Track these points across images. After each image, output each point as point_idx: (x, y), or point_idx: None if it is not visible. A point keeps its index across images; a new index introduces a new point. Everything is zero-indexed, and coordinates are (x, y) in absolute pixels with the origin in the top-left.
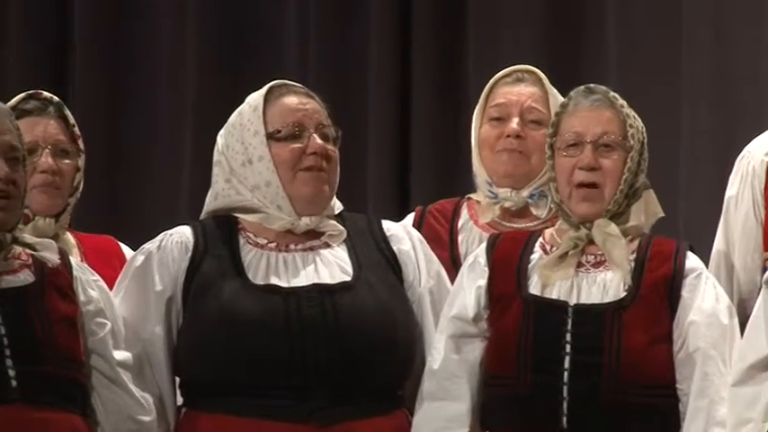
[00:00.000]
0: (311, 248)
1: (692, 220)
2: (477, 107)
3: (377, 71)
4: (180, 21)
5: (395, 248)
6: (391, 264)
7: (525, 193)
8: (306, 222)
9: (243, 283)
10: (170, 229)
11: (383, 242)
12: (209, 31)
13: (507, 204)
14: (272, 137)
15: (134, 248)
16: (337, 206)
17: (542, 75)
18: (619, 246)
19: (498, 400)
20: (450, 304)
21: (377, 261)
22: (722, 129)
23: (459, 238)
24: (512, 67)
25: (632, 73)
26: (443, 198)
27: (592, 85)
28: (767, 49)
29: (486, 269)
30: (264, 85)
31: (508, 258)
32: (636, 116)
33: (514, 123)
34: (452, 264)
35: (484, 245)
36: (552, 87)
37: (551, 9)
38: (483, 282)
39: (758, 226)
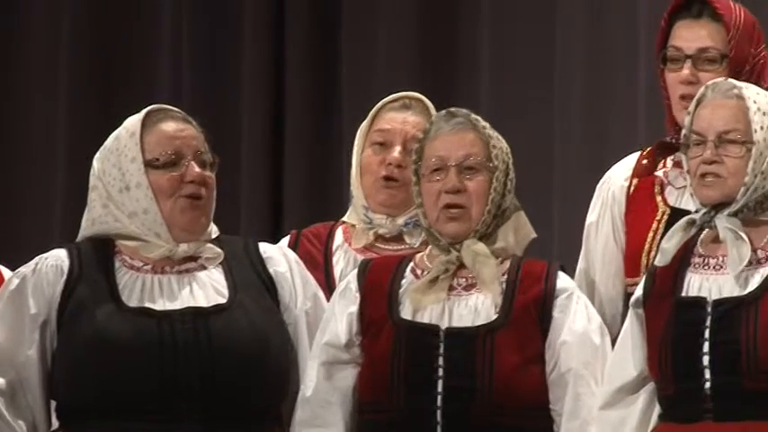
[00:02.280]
0: (187, 271)
1: (565, 240)
2: (361, 129)
3: (250, 93)
4: (52, 45)
5: (271, 270)
6: (267, 286)
7: (400, 220)
8: (184, 249)
9: (117, 306)
10: (45, 252)
11: (260, 264)
12: (82, 50)
13: (381, 231)
14: (149, 164)
15: (10, 271)
16: (214, 231)
17: (429, 104)
18: (488, 265)
19: (372, 426)
20: (323, 331)
21: (253, 283)
22: (594, 150)
23: (334, 261)
24: (400, 93)
25: (504, 96)
26: (317, 220)
27: (453, 108)
28: (641, 76)
29: (358, 295)
30: (137, 108)
31: (379, 284)
32: (500, 137)
33: (396, 152)
34: (327, 286)
35: (355, 271)
36: None
37: (426, 32)
38: (354, 308)
39: (619, 252)
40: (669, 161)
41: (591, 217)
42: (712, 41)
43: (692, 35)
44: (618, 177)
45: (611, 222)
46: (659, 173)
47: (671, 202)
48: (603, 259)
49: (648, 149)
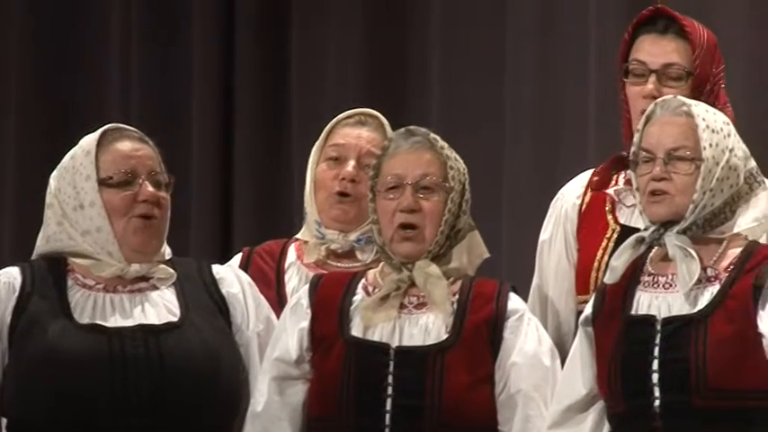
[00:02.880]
0: (139, 290)
1: (514, 259)
2: (316, 145)
3: (199, 113)
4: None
5: (224, 292)
6: (220, 307)
7: (352, 236)
8: (135, 269)
9: (68, 323)
10: None
11: (212, 285)
12: (31, 62)
13: (334, 246)
14: (103, 183)
15: None
16: (167, 252)
17: (385, 120)
18: (439, 286)
19: None
20: (273, 346)
21: (205, 304)
22: (543, 169)
23: (286, 278)
24: (356, 110)
25: (456, 112)
26: (266, 238)
27: (412, 127)
28: (592, 90)
29: (309, 311)
30: (88, 121)
31: (330, 300)
32: (457, 158)
33: (350, 167)
34: (279, 303)
35: (306, 286)
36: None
37: (375, 49)
38: (305, 323)
39: (571, 269)
40: (621, 179)
41: (544, 234)
42: (678, 58)
43: (657, 50)
44: (571, 195)
45: (564, 240)
46: (610, 191)
47: (621, 220)
48: (556, 276)
49: (602, 166)
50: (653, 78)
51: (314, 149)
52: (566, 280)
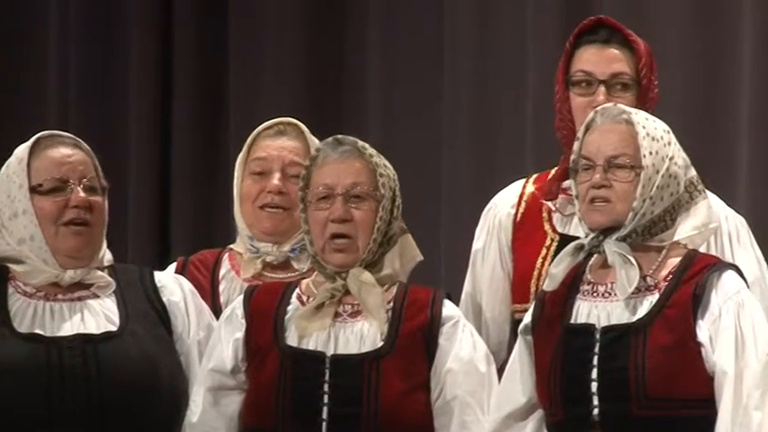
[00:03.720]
0: (79, 299)
1: (452, 265)
2: (239, 159)
3: (137, 121)
4: None
5: (165, 300)
6: (160, 315)
7: (286, 247)
8: (71, 275)
9: (6, 331)
10: None
11: (153, 293)
12: None
13: (269, 259)
14: (34, 190)
15: None
16: (108, 258)
17: (304, 127)
18: (374, 294)
19: None
20: (209, 356)
21: (146, 312)
22: (482, 175)
23: (221, 288)
24: (274, 120)
25: (393, 118)
26: (204, 247)
27: (340, 136)
28: (529, 96)
29: (244, 321)
30: (24, 131)
31: (265, 310)
32: (387, 164)
33: (275, 179)
34: (214, 313)
35: (241, 297)
36: (315, 139)
37: (313, 55)
38: (240, 334)
39: (505, 278)
40: (565, 182)
41: (477, 243)
42: (625, 68)
43: (603, 60)
44: (504, 204)
45: (498, 249)
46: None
47: (559, 229)
48: (490, 285)
49: (536, 176)
50: (602, 89)
51: (237, 163)
52: (500, 289)
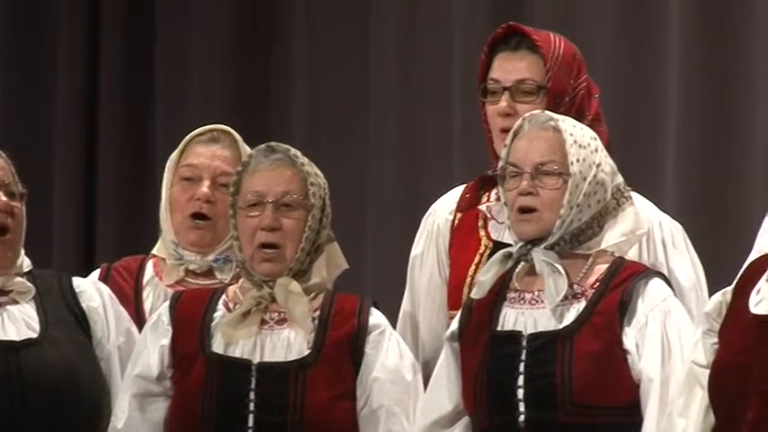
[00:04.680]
0: None
1: (379, 272)
2: (170, 163)
3: (63, 129)
4: None
5: (84, 305)
6: (80, 321)
7: (210, 257)
8: None
9: None
10: None
11: (72, 299)
12: None
13: (192, 267)
14: None
15: None
16: (26, 264)
17: (237, 136)
18: (300, 303)
19: None
20: (134, 363)
21: (65, 318)
22: (408, 183)
23: (144, 294)
24: (208, 126)
25: (321, 127)
26: (130, 253)
27: (272, 143)
28: (456, 105)
29: (170, 328)
30: None
31: (191, 317)
32: (318, 173)
33: (205, 187)
34: (137, 320)
35: (167, 303)
36: (247, 148)
37: (240, 64)
38: (166, 340)
39: (443, 285)
40: (493, 195)
41: (415, 250)
42: (530, 73)
43: (510, 67)
44: (443, 210)
45: (436, 255)
46: (483, 207)
47: (494, 236)
48: (428, 292)
49: (470, 186)
50: (506, 95)
51: (168, 167)
52: (437, 295)
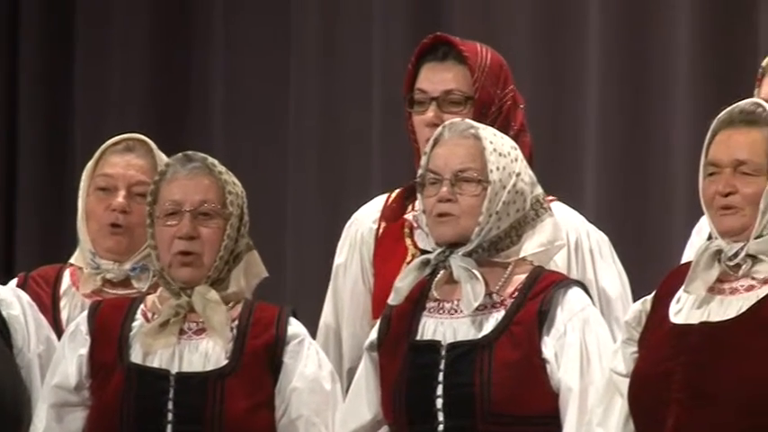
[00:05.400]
0: None
1: (298, 281)
2: (86, 172)
3: None
4: None
5: (4, 314)
6: (0, 329)
7: (127, 266)
8: None
9: None
10: None
11: None
12: None
13: (109, 276)
14: None
15: None
16: None
17: (153, 144)
18: (219, 312)
19: None
20: (52, 372)
21: None
22: (328, 192)
23: (62, 304)
24: (122, 136)
25: (240, 137)
26: (50, 262)
27: (190, 152)
28: (376, 114)
29: (88, 338)
30: None
31: (110, 326)
32: (236, 182)
33: (120, 197)
34: (54, 329)
35: (85, 313)
36: (163, 156)
37: (158, 76)
38: (84, 350)
39: (367, 293)
40: (418, 204)
41: (339, 258)
42: (456, 84)
43: (437, 78)
44: (366, 219)
45: (360, 264)
46: (409, 216)
47: (421, 244)
48: (352, 301)
49: (397, 192)
50: (433, 106)
51: (84, 176)
52: (361, 304)
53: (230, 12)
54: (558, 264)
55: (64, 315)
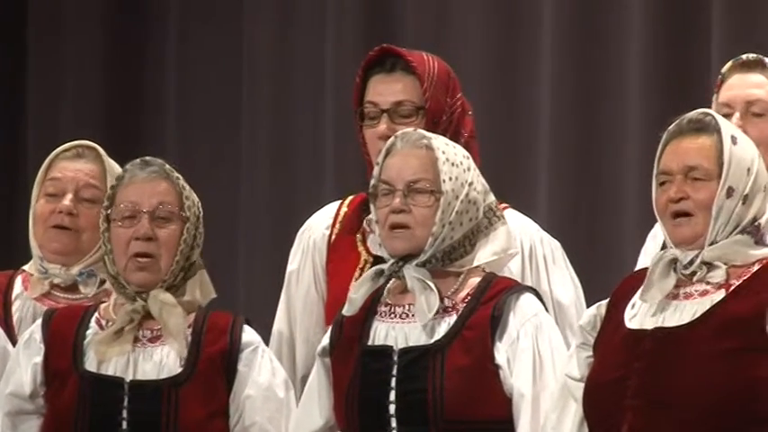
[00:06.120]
0: None
1: (253, 291)
2: (36, 180)
3: None
4: None
5: None
6: None
7: (74, 270)
8: None
9: None
10: None
11: None
12: None
13: (56, 281)
14: None
15: None
16: None
17: (102, 151)
18: (175, 314)
19: None
20: (6, 381)
21: None
22: (281, 199)
23: (13, 309)
24: (72, 143)
25: (192, 148)
26: (3, 269)
27: (148, 157)
28: (328, 124)
29: (42, 346)
30: None
31: (64, 334)
32: (191, 190)
33: (67, 200)
34: (7, 335)
35: (39, 320)
36: (112, 163)
37: (112, 84)
38: (39, 358)
39: (320, 300)
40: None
41: (291, 265)
42: (406, 95)
43: (386, 90)
44: (319, 226)
45: (312, 270)
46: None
47: (374, 250)
48: (305, 307)
49: (351, 199)
50: (385, 118)
51: (35, 183)
52: (314, 311)
53: (185, 20)
54: (513, 271)
55: (15, 320)
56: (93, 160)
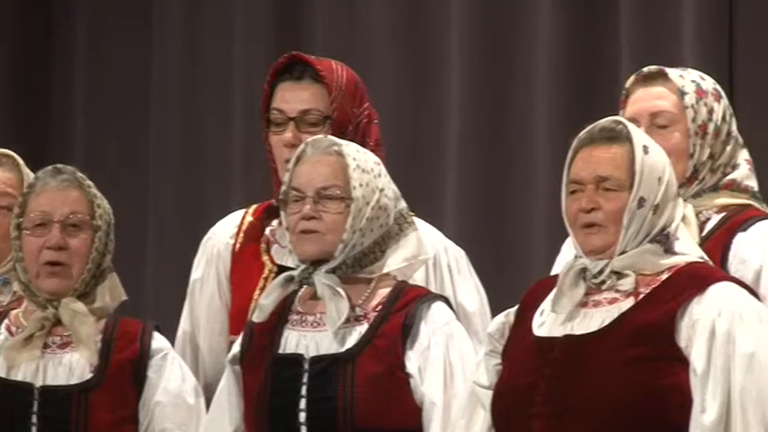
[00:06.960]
0: None
1: (161, 297)
2: None
3: None
4: None
5: None
6: None
7: None
8: None
9: None
10: None
11: None
12: None
13: None
14: None
15: None
16: None
17: (20, 159)
18: (86, 323)
19: None
20: None
21: None
22: (190, 207)
23: None
24: None
25: (99, 158)
26: None
27: (59, 165)
28: (237, 132)
29: None
30: None
31: None
32: (103, 198)
33: None
34: None
35: None
36: (30, 173)
37: (19, 89)
38: None
39: (224, 309)
40: (275, 222)
41: (195, 273)
42: (314, 103)
43: (294, 97)
44: (223, 234)
45: (216, 279)
46: (266, 231)
47: (277, 260)
48: (209, 316)
49: (255, 207)
50: (291, 126)
51: None
52: (218, 320)
53: (94, 19)
54: (417, 279)
55: None
56: (11, 168)
